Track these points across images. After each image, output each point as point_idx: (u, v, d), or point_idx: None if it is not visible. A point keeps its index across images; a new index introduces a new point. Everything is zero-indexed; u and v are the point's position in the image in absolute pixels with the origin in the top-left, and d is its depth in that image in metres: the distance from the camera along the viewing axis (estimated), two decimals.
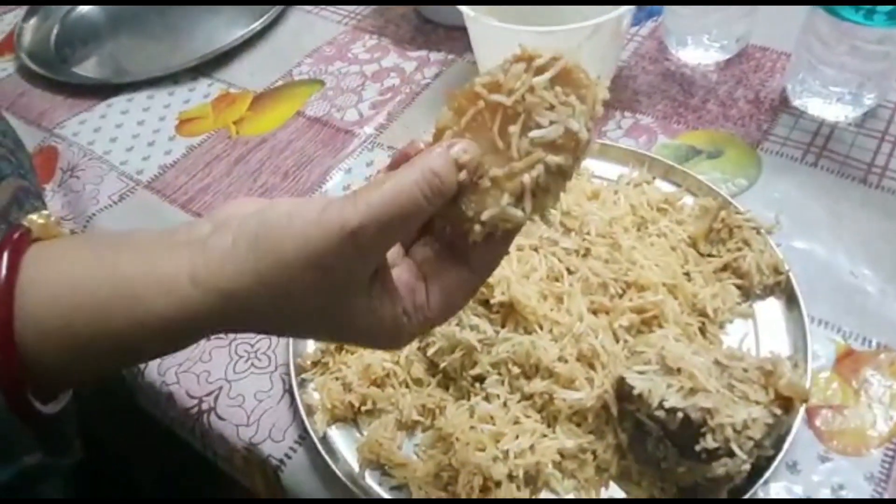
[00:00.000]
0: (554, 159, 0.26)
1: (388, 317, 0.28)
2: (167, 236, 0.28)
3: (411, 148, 0.28)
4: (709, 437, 0.33)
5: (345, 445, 0.42)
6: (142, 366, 0.47)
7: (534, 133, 0.26)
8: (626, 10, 0.54)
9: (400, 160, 0.28)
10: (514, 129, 0.27)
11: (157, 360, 0.47)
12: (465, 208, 0.27)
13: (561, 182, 0.27)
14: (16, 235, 0.28)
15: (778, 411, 0.33)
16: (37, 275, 0.26)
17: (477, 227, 0.27)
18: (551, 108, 0.26)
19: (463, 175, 0.26)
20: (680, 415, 0.34)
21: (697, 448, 0.33)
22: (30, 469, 0.29)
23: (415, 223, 0.27)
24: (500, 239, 0.28)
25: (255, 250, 0.26)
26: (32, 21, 0.78)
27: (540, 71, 0.27)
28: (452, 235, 0.29)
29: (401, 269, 0.30)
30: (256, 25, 0.73)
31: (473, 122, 0.27)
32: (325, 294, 0.27)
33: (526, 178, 0.26)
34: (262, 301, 0.26)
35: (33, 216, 0.32)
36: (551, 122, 0.26)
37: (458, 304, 0.30)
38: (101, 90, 0.70)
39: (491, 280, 0.41)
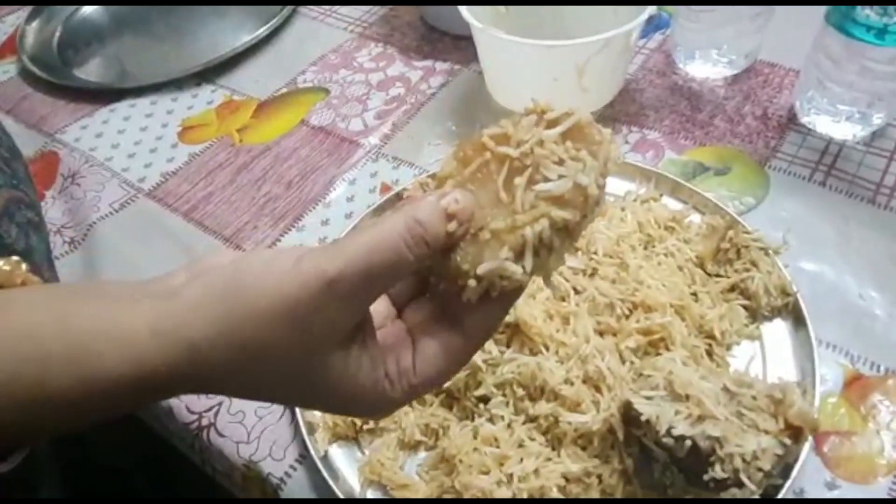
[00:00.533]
0: (560, 213, 0.25)
1: (367, 381, 0.26)
2: (137, 287, 0.26)
3: (413, 191, 0.28)
4: (718, 466, 0.32)
5: (346, 464, 0.41)
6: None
7: (540, 186, 0.25)
8: (636, 24, 0.53)
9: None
10: (519, 180, 0.25)
11: None
12: (461, 261, 0.25)
13: (567, 242, 0.26)
14: None
15: (788, 441, 0.33)
16: None
17: (472, 283, 0.25)
18: (560, 162, 0.25)
19: (453, 226, 0.25)
20: (688, 443, 0.33)
21: (706, 477, 0.33)
22: None
23: (398, 274, 0.25)
24: (497, 301, 0.26)
25: (225, 300, 0.24)
26: (35, 23, 0.78)
27: (551, 125, 0.26)
28: (447, 294, 0.27)
29: (388, 331, 0.28)
30: (262, 31, 0.73)
31: (478, 173, 0.26)
32: (299, 350, 0.25)
33: (528, 231, 0.25)
34: (229, 356, 0.24)
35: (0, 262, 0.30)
36: (560, 177, 0.25)
37: (447, 372, 0.28)
38: (104, 95, 0.69)
39: None
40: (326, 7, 0.78)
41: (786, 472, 0.35)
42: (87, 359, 0.24)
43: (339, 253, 0.24)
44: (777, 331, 0.44)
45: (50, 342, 0.24)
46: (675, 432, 0.34)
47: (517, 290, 0.26)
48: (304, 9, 0.78)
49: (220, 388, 0.26)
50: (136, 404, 0.26)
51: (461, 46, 0.69)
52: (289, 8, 0.76)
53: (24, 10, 0.81)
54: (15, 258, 0.32)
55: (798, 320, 0.43)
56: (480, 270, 0.25)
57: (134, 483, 0.61)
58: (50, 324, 0.24)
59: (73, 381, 0.24)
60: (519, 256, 0.25)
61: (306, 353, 0.25)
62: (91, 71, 0.73)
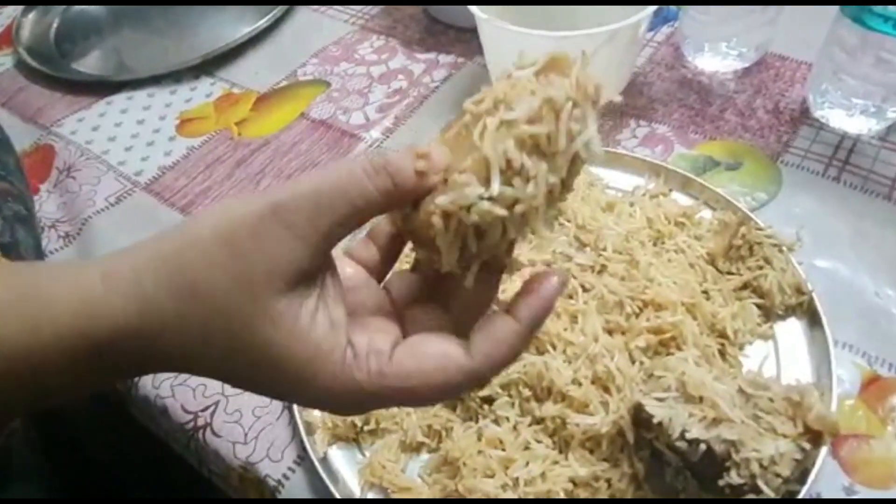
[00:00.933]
0: (527, 129, 0.22)
1: (324, 343, 0.22)
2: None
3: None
4: (733, 472, 0.31)
5: (346, 467, 0.40)
6: (135, 378, 0.46)
7: (505, 115, 0.22)
8: (645, 16, 0.52)
9: None
10: (489, 119, 0.22)
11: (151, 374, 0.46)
12: (427, 205, 0.23)
13: (550, 169, 0.22)
14: None
15: (807, 446, 0.31)
16: None
17: (436, 221, 0.22)
18: (532, 94, 0.23)
19: (422, 164, 0.22)
20: (703, 447, 0.32)
21: (721, 483, 0.32)
22: None
23: (356, 205, 0.22)
24: (484, 277, 0.24)
25: (174, 240, 0.23)
26: (32, 15, 0.77)
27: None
28: (426, 264, 0.25)
29: (374, 318, 0.25)
30: (262, 23, 0.71)
31: (458, 135, 0.24)
32: (239, 284, 0.22)
33: (488, 149, 0.22)
34: (174, 297, 0.22)
35: None
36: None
37: (432, 379, 0.23)
38: (101, 87, 0.68)
39: (502, 297, 0.39)
40: None
41: (802, 476, 0.34)
42: (37, 303, 0.23)
43: (291, 183, 0.22)
44: (791, 330, 0.42)
45: (1, 292, 0.23)
46: (689, 435, 0.32)
47: (501, 245, 0.24)
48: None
49: (170, 347, 0.23)
50: (92, 368, 0.24)
51: (465, 39, 0.67)
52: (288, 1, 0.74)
53: None
54: None
55: (813, 320, 0.42)
56: (439, 201, 0.22)
57: (131, 484, 0.60)
58: (3, 278, 0.24)
59: (21, 328, 0.23)
60: (486, 184, 0.22)
61: (248, 291, 0.22)
62: (88, 63, 0.72)
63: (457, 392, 0.24)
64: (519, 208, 0.23)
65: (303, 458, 0.41)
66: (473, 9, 0.54)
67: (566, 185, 0.24)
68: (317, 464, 0.39)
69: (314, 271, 0.23)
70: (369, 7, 0.75)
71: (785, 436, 0.32)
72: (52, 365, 0.23)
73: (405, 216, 0.24)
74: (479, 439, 0.38)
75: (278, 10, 0.73)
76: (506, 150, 0.22)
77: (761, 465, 0.31)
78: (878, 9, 0.47)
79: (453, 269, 0.24)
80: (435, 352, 0.24)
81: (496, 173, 0.22)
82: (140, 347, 0.23)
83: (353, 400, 0.24)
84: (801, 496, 0.34)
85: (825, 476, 0.37)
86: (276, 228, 0.22)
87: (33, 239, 0.53)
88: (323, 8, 0.75)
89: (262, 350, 0.23)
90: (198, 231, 0.23)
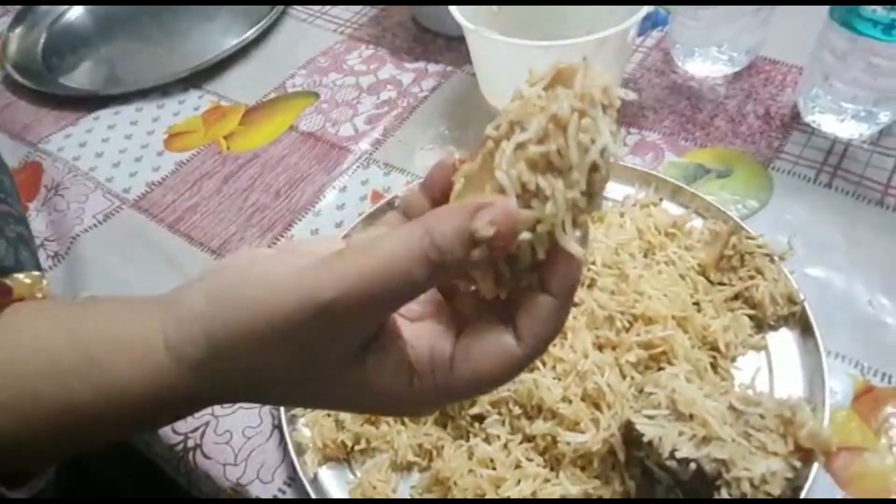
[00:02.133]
0: (536, 150, 0.22)
1: (390, 388, 0.24)
2: (147, 299, 0.25)
3: (446, 166, 0.24)
4: (724, 490, 0.31)
5: (337, 487, 0.39)
6: None
7: (518, 137, 0.22)
8: (633, 23, 0.52)
9: (437, 180, 0.24)
10: (506, 143, 0.22)
11: None
12: None
13: (569, 181, 0.22)
14: None
15: (798, 464, 0.31)
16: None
17: None
18: (541, 111, 0.22)
19: (478, 254, 0.21)
20: (693, 466, 0.32)
21: (713, 499, 0.31)
22: None
23: (408, 297, 0.23)
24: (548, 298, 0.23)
25: (225, 313, 0.23)
26: (18, 30, 0.76)
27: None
28: (465, 289, 0.25)
29: (425, 323, 0.25)
30: (250, 34, 0.71)
31: (482, 164, 0.24)
32: (298, 369, 0.23)
33: (501, 175, 0.22)
34: (233, 371, 0.23)
35: (20, 275, 0.30)
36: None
37: (491, 375, 0.24)
38: (88, 102, 0.67)
39: None
40: (316, 8, 0.76)
41: (795, 492, 0.34)
42: (102, 371, 0.24)
43: (340, 274, 0.21)
44: (784, 341, 0.42)
45: (64, 356, 0.24)
46: (679, 455, 0.32)
47: (533, 264, 0.23)
48: (293, 10, 0.76)
49: (237, 399, 0.26)
50: (154, 422, 0.27)
51: (453, 47, 0.67)
52: (277, 9, 0.74)
53: (7, 17, 0.79)
54: (36, 273, 0.32)
55: (805, 330, 0.42)
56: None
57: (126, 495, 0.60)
58: (61, 337, 0.24)
59: (93, 395, 0.24)
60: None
61: (311, 371, 0.23)
62: (76, 77, 0.72)
63: (515, 375, 0.25)
64: (541, 228, 0.22)
65: (293, 478, 0.40)
66: (460, 19, 0.53)
67: (592, 197, 0.23)
68: (307, 485, 0.39)
69: (371, 340, 0.24)
70: (358, 16, 0.74)
71: (776, 454, 0.31)
72: (124, 422, 0.25)
73: None
74: (470, 458, 0.38)
75: (266, 21, 0.72)
76: (519, 174, 0.22)
77: (752, 484, 0.31)
78: (867, 13, 0.46)
79: (491, 294, 0.24)
80: (491, 350, 0.24)
81: (512, 199, 0.22)
82: (200, 402, 0.25)
83: (427, 408, 0.28)
84: None
85: (819, 490, 0.36)
86: (329, 327, 0.22)
87: (35, 259, 0.53)
88: (311, 18, 0.75)
89: (330, 399, 0.25)
90: (250, 320, 0.22)
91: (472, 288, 0.25)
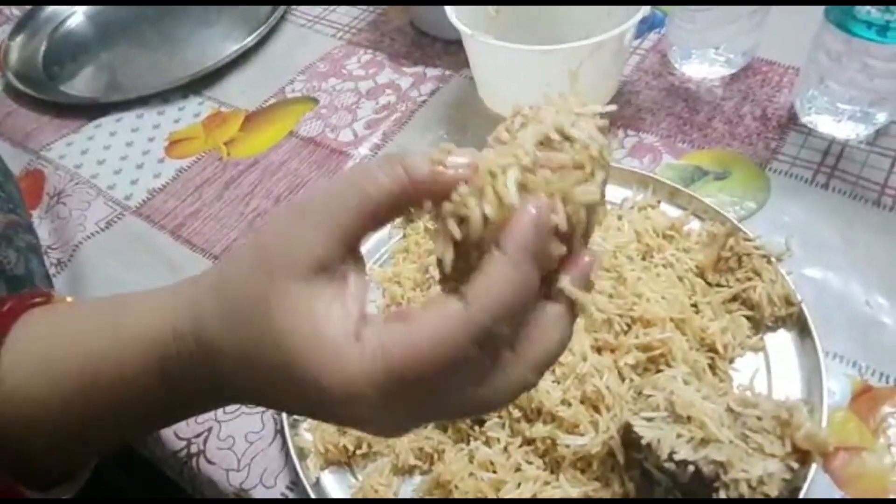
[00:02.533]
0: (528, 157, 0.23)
1: (336, 334, 0.22)
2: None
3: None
4: (722, 492, 0.31)
5: (339, 491, 0.40)
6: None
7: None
8: (630, 26, 0.52)
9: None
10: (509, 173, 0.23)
11: None
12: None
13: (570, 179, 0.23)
14: (5, 308, 0.29)
15: (795, 465, 0.31)
16: (23, 345, 0.27)
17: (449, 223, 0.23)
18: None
19: (437, 157, 0.23)
20: (691, 468, 0.32)
21: (712, 500, 0.32)
22: None
23: (372, 200, 0.23)
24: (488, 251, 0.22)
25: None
26: (19, 38, 0.77)
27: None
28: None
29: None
30: (249, 40, 0.71)
31: None
32: (258, 268, 0.23)
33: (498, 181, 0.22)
34: (210, 298, 0.25)
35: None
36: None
37: (433, 335, 0.21)
38: (90, 110, 0.68)
39: None
40: (315, 13, 0.76)
41: (794, 492, 0.34)
42: (121, 309, 0.27)
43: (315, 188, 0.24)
44: (781, 342, 0.42)
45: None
46: (678, 457, 0.32)
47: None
48: (291, 16, 0.77)
49: (210, 349, 0.24)
50: (162, 374, 0.26)
51: (452, 51, 0.67)
52: (276, 15, 0.74)
53: (8, 25, 0.79)
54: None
55: (803, 330, 0.42)
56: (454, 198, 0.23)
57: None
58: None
59: (105, 331, 0.27)
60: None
61: (267, 274, 0.23)
62: (77, 85, 0.72)
63: (462, 337, 0.22)
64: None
65: (296, 483, 0.41)
66: (458, 24, 0.54)
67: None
68: (309, 489, 0.39)
69: (331, 263, 0.23)
70: (356, 21, 0.75)
71: (773, 455, 0.32)
72: (129, 368, 0.26)
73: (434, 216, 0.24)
74: (471, 461, 0.38)
75: (265, 27, 0.73)
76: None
77: (750, 486, 0.31)
78: (862, 15, 0.46)
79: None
80: (434, 310, 0.22)
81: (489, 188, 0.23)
82: (192, 354, 0.25)
83: (368, 400, 0.22)
84: None
85: (817, 490, 0.37)
86: (296, 224, 0.23)
87: (44, 268, 0.53)
88: (310, 23, 0.75)
89: (278, 343, 0.22)
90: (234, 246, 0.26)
91: None
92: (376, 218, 0.23)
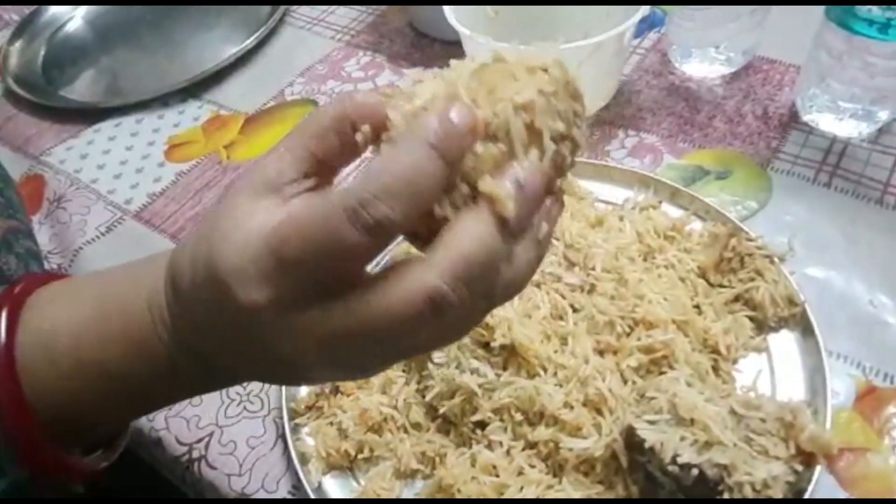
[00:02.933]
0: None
1: (258, 214, 0.23)
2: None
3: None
4: (726, 495, 0.31)
5: (341, 496, 0.40)
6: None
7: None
8: (629, 26, 0.52)
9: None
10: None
11: None
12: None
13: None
14: (16, 290, 0.29)
15: (799, 467, 0.31)
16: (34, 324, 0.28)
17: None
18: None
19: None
20: (695, 471, 0.32)
21: (717, 499, 0.31)
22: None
23: (327, 117, 0.24)
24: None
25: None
26: (18, 43, 0.77)
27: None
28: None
29: None
30: (248, 43, 0.71)
31: None
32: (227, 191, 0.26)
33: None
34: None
35: None
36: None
37: (396, 291, 0.21)
38: (89, 114, 0.68)
39: (491, 321, 0.39)
40: (314, 15, 0.76)
41: (798, 495, 0.34)
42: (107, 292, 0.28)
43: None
44: (785, 342, 0.42)
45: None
46: (681, 460, 0.32)
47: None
48: (290, 18, 0.77)
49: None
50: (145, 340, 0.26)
51: (451, 52, 0.67)
52: (275, 18, 0.74)
53: (7, 30, 0.79)
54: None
55: (806, 330, 0.42)
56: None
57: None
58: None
59: (91, 305, 0.27)
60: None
61: (229, 195, 0.24)
62: (76, 90, 0.72)
63: (341, 229, 0.21)
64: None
65: (298, 487, 0.41)
66: (457, 24, 0.54)
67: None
68: (311, 493, 0.39)
69: (280, 185, 0.24)
70: (355, 23, 0.74)
71: (777, 458, 0.31)
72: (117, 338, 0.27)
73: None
74: (473, 465, 0.38)
75: (264, 29, 0.73)
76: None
77: (754, 489, 0.31)
78: (863, 12, 0.46)
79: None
80: (398, 268, 0.22)
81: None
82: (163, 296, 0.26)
83: (252, 275, 0.22)
84: None
85: (822, 491, 0.36)
86: (263, 155, 0.25)
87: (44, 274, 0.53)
88: (309, 25, 0.75)
89: (207, 243, 0.23)
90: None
91: None
92: (324, 140, 0.24)
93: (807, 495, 0.34)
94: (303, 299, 0.22)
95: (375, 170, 0.21)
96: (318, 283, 0.22)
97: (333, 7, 0.77)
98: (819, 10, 0.50)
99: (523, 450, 0.38)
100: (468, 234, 0.22)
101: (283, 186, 0.24)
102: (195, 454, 0.43)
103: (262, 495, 0.41)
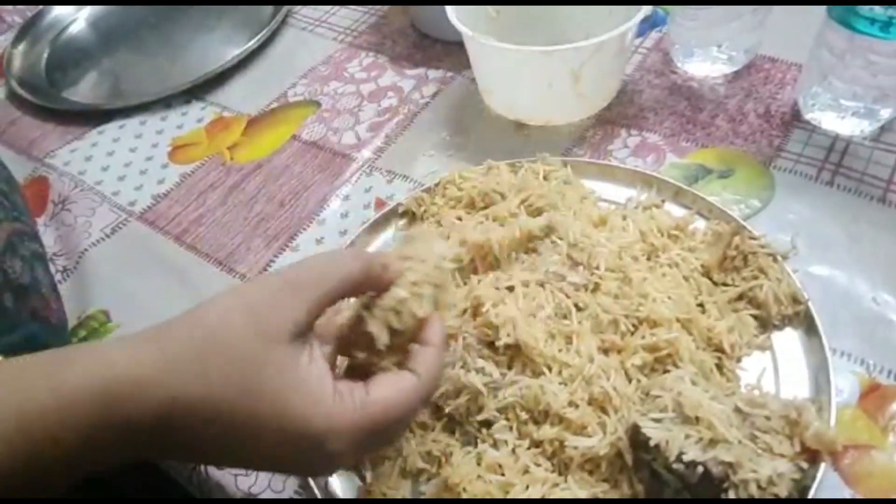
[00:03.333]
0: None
1: (317, 385, 0.28)
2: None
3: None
4: (731, 492, 0.31)
5: (347, 495, 0.40)
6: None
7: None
8: (631, 25, 0.52)
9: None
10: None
11: None
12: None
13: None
14: None
15: (804, 465, 0.31)
16: None
17: (401, 291, 0.33)
18: None
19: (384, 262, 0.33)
20: (700, 469, 0.32)
21: (721, 500, 0.31)
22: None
23: (344, 282, 0.30)
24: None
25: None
26: (21, 46, 0.77)
27: None
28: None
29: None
30: (251, 45, 0.71)
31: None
32: (252, 330, 0.27)
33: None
34: (191, 346, 0.27)
35: None
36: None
37: (398, 400, 0.30)
38: (93, 116, 0.68)
39: (496, 321, 0.39)
40: (316, 16, 0.76)
41: (803, 492, 0.34)
42: (61, 368, 0.25)
43: (297, 265, 0.30)
44: (789, 340, 0.42)
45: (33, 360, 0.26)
46: (686, 458, 0.32)
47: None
48: (292, 19, 0.77)
49: (191, 400, 0.26)
50: (109, 426, 0.25)
51: (453, 52, 0.67)
52: (277, 19, 0.74)
53: (11, 33, 0.80)
54: None
55: (810, 329, 0.42)
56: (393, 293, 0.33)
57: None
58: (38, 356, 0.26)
59: (46, 393, 0.24)
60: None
61: (261, 337, 0.27)
62: (80, 92, 0.72)
63: (417, 401, 0.31)
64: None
65: (304, 487, 0.41)
66: (459, 25, 0.54)
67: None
68: (318, 493, 0.39)
69: (307, 330, 0.29)
70: (357, 24, 0.75)
71: (782, 455, 0.32)
72: (70, 422, 0.24)
73: (371, 299, 0.33)
74: (479, 464, 0.38)
75: (267, 31, 0.73)
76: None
77: (759, 486, 0.31)
78: (865, 11, 0.46)
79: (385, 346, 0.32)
80: (395, 379, 0.31)
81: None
82: (159, 401, 0.25)
83: (344, 432, 0.28)
84: None
85: (827, 489, 0.36)
86: (287, 294, 0.28)
87: (49, 276, 0.53)
88: (311, 26, 0.76)
89: (270, 397, 0.27)
90: (213, 305, 0.28)
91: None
92: (341, 295, 0.30)
93: (811, 492, 0.34)
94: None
95: (432, 368, 0.32)
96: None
97: (335, 8, 0.77)
98: (821, 8, 0.50)
99: (528, 448, 0.38)
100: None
101: (306, 333, 0.29)
102: None
103: (268, 495, 0.41)
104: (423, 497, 0.39)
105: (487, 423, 0.39)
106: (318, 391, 0.27)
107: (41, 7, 0.82)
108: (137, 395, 0.25)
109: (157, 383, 0.25)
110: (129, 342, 0.27)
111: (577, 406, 0.38)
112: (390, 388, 0.30)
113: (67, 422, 0.24)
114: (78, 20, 0.82)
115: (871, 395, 0.40)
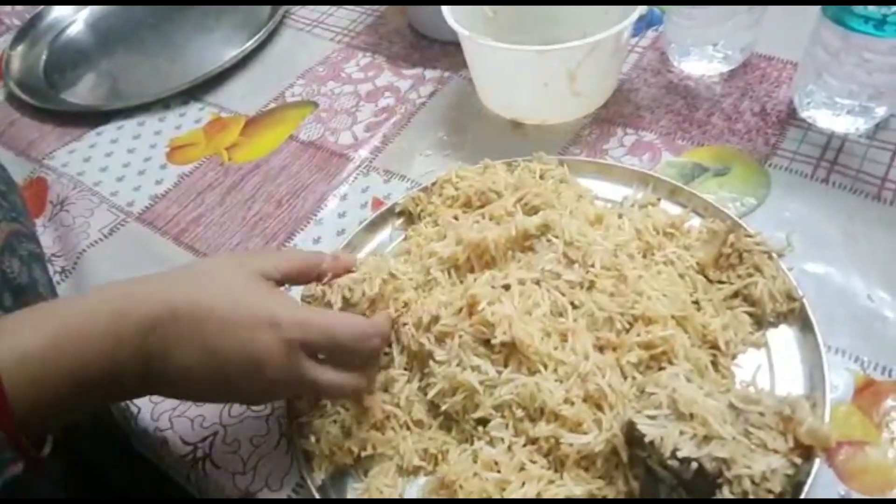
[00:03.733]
0: None
1: (280, 293, 0.38)
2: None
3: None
4: (726, 488, 0.31)
5: (344, 494, 0.40)
6: (135, 410, 0.46)
7: None
8: (627, 24, 0.52)
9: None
10: None
11: (151, 405, 0.46)
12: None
13: None
14: None
15: (798, 460, 0.32)
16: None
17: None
18: None
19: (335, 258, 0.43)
20: (694, 465, 0.32)
21: (714, 499, 0.32)
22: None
23: (307, 265, 0.42)
24: None
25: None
26: (20, 48, 0.77)
27: None
28: None
29: None
30: (248, 45, 0.72)
31: None
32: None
33: None
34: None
35: None
36: None
37: (351, 325, 0.38)
38: (91, 118, 0.68)
39: (492, 319, 0.40)
40: (313, 17, 0.77)
41: (797, 488, 0.34)
42: (85, 297, 0.35)
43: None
44: (783, 337, 0.42)
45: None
46: (681, 454, 0.32)
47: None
48: (290, 20, 0.77)
49: (182, 296, 0.35)
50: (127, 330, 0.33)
51: (450, 52, 0.68)
52: (275, 20, 0.75)
53: (9, 35, 0.80)
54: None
55: (805, 326, 0.42)
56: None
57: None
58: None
59: (80, 307, 0.34)
60: None
61: (240, 273, 0.37)
62: (78, 93, 0.73)
63: (361, 335, 0.38)
64: None
65: (301, 485, 0.41)
66: (455, 25, 0.54)
67: None
68: (315, 491, 0.39)
69: (278, 283, 0.39)
70: (355, 24, 0.75)
71: (776, 451, 0.32)
72: (96, 317, 0.33)
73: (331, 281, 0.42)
74: (475, 461, 0.38)
75: (264, 32, 0.73)
76: None
77: (753, 482, 0.31)
78: (859, 10, 0.46)
79: None
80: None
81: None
82: (163, 301, 0.34)
83: (298, 332, 0.35)
84: None
85: (821, 486, 0.37)
86: (264, 255, 0.41)
87: (47, 276, 0.54)
88: (309, 27, 0.76)
89: (246, 301, 0.36)
90: (208, 258, 0.40)
91: None
92: (302, 270, 0.41)
93: (805, 488, 0.34)
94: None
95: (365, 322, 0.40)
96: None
97: (333, 8, 0.77)
98: (815, 7, 0.50)
99: (524, 446, 0.38)
100: None
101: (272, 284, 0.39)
102: (200, 453, 0.43)
103: (266, 494, 0.41)
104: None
105: (483, 421, 0.40)
106: (284, 299, 0.38)
107: (40, 9, 0.82)
108: (146, 301, 0.34)
109: (161, 293, 0.35)
110: (136, 278, 0.36)
111: (572, 403, 0.38)
112: (336, 314, 0.39)
113: (96, 318, 0.33)
114: (76, 22, 0.82)
115: (866, 391, 0.40)
